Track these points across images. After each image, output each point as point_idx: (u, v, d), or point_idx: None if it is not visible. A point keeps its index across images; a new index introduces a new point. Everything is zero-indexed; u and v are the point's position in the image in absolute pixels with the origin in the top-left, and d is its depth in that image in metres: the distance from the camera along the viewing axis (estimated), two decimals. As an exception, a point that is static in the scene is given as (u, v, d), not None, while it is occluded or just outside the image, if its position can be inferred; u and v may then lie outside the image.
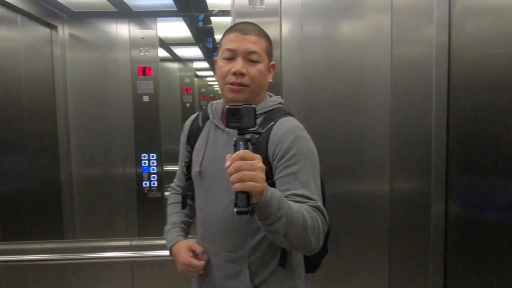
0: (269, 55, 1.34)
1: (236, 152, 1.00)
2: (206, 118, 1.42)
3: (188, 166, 1.43)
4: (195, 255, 1.34)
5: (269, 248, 1.27)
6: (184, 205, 1.47)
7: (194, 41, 4.70)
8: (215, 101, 1.43)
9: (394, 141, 2.02)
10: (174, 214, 1.50)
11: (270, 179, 1.20)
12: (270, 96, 1.42)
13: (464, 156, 1.81)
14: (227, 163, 1.00)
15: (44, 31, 3.11)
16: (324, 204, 1.27)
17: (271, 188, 1.06)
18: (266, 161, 1.21)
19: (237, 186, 0.98)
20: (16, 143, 2.74)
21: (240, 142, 1.03)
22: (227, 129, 1.30)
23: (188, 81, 6.29)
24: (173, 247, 1.38)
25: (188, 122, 1.49)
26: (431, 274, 1.94)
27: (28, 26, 2.90)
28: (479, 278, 1.73)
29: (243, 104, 1.05)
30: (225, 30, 1.34)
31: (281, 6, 1.95)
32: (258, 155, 1.02)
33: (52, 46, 3.18)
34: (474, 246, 1.75)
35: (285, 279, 1.31)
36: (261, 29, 1.34)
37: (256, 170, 0.99)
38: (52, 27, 3.16)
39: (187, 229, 1.48)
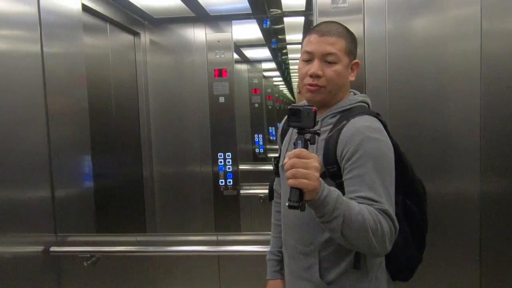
0: (350, 54, 1.34)
1: (293, 150, 1.06)
2: None
3: (277, 162, 1.50)
4: None
5: (342, 246, 1.24)
6: (271, 197, 1.63)
7: (264, 42, 4.76)
8: (302, 102, 1.46)
9: (484, 141, 1.92)
10: (273, 237, 1.62)
11: (338, 179, 1.24)
12: (355, 94, 1.41)
13: None
14: (285, 160, 1.07)
15: (128, 38, 3.32)
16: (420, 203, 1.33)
17: (331, 188, 1.09)
18: (335, 161, 1.25)
19: (291, 182, 1.04)
20: (105, 143, 2.94)
21: (299, 141, 1.09)
22: None
23: (256, 81, 6.40)
24: (268, 282, 1.59)
25: (283, 121, 1.56)
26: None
27: (115, 34, 3.12)
28: None
29: (304, 106, 1.11)
30: (307, 30, 1.39)
31: (364, 3, 1.92)
32: (314, 155, 1.07)
33: (135, 51, 3.39)
34: None
35: (357, 281, 1.30)
36: (343, 27, 1.34)
37: (310, 168, 1.04)
38: (135, 34, 3.37)
39: (282, 256, 1.56)
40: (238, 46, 5.03)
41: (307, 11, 3.25)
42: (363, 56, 1.92)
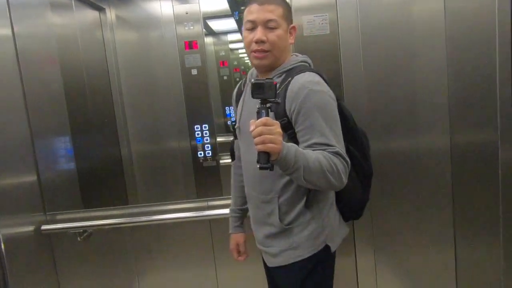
0: (287, 19, 1.50)
1: (259, 119, 1.23)
2: (246, 82, 1.67)
3: (234, 125, 1.69)
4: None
5: (296, 191, 1.50)
6: (232, 158, 1.83)
7: (229, 13, 4.71)
8: (253, 68, 1.64)
9: (453, 95, 2.04)
10: (234, 197, 1.84)
11: (289, 130, 1.44)
12: (296, 56, 1.58)
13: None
14: (251, 127, 1.24)
15: (94, 14, 3.23)
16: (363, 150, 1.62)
17: (288, 145, 1.28)
18: (285, 114, 1.44)
19: (260, 147, 1.22)
20: (82, 124, 2.91)
21: (263, 110, 1.26)
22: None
23: (223, 54, 6.34)
24: (230, 235, 1.84)
25: (235, 89, 1.76)
26: (501, 224, 1.98)
27: (81, 11, 3.03)
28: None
29: (266, 79, 1.27)
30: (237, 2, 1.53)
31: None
32: (277, 122, 1.26)
33: (102, 28, 3.30)
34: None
35: (312, 219, 1.53)
36: None
37: (275, 134, 1.22)
38: (101, 9, 3.27)
39: (242, 213, 1.84)
40: (204, 18, 4.96)
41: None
42: (336, 20, 1.99)
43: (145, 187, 3.55)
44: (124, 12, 3.38)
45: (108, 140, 3.34)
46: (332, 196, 1.60)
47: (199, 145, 3.47)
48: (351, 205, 1.68)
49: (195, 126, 3.46)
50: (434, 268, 2.21)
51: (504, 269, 2.02)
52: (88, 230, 2.03)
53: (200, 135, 3.46)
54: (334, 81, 1.76)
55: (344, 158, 1.38)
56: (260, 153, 1.23)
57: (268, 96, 1.26)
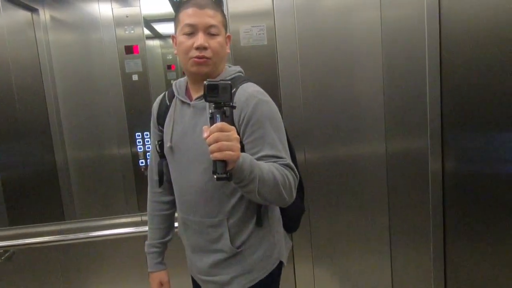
0: (225, 27, 1.43)
1: (215, 124, 1.11)
2: (172, 96, 1.50)
3: (161, 145, 1.52)
4: None
5: (246, 210, 1.40)
6: (161, 182, 1.58)
7: (175, 16, 4.62)
8: (178, 79, 1.52)
9: (388, 102, 2.09)
10: (153, 229, 1.64)
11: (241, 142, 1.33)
12: (230, 67, 1.51)
13: (458, 112, 1.88)
14: (205, 134, 1.11)
15: (25, 14, 3.05)
16: (294, 161, 1.42)
17: (243, 154, 1.17)
18: (232, 125, 1.30)
19: (217, 155, 1.08)
20: (9, 130, 2.72)
21: (217, 115, 1.13)
22: (192, 102, 1.41)
23: (170, 57, 6.21)
24: (150, 274, 1.63)
25: (155, 104, 1.58)
26: (432, 229, 2.05)
27: (9, 11, 2.84)
28: (478, 231, 1.84)
29: (221, 81, 1.14)
30: (181, 5, 1.41)
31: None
32: (233, 127, 1.13)
33: (34, 29, 3.12)
34: (470, 198, 1.85)
35: (264, 238, 1.44)
36: (214, 2, 1.41)
37: (232, 140, 1.10)
38: (33, 10, 3.09)
39: (163, 247, 1.66)
40: (149, 21, 4.84)
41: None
42: (273, 26, 1.98)
43: (82, 197, 3.38)
44: (59, 13, 3.21)
45: (41, 147, 3.14)
46: (278, 210, 1.53)
47: (140, 152, 3.35)
48: (293, 216, 1.59)
49: (136, 134, 3.33)
50: (370, 273, 2.26)
51: (434, 273, 2.09)
52: (10, 250, 1.87)
53: (141, 143, 3.34)
54: (271, 92, 1.74)
55: (294, 171, 1.32)
56: (216, 162, 1.09)
57: (224, 98, 1.13)
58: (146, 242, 1.63)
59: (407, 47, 1.99)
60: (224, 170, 1.09)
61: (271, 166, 1.25)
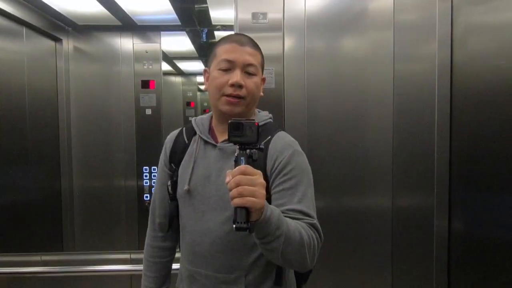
0: (263, 68, 1.33)
1: (237, 167, 0.98)
2: (191, 133, 1.36)
3: (173, 186, 1.33)
4: None
5: (267, 266, 1.24)
6: (170, 227, 1.40)
7: (197, 55, 4.74)
8: (200, 116, 1.39)
9: (396, 158, 2.02)
10: (148, 277, 1.45)
11: (267, 193, 1.14)
12: (260, 112, 1.40)
13: (466, 172, 1.80)
14: (227, 178, 0.98)
15: (49, 43, 3.15)
16: None
17: (271, 206, 1.04)
18: (264, 175, 1.14)
19: (237, 201, 0.95)
20: (19, 155, 2.74)
21: (242, 158, 1.01)
22: (219, 144, 1.28)
23: (190, 95, 6.32)
24: None
25: (169, 140, 1.41)
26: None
27: (33, 39, 2.94)
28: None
29: (246, 120, 1.03)
30: (219, 40, 1.32)
31: (284, 21, 1.97)
32: (259, 171, 1.00)
33: (56, 58, 3.22)
34: (477, 261, 1.74)
35: None
36: (255, 41, 1.32)
37: (256, 185, 0.97)
38: (57, 40, 3.20)
39: None
40: (171, 58, 4.97)
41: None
42: (282, 73, 1.96)
43: (84, 227, 3.34)
44: (82, 44, 3.32)
45: (48, 174, 3.14)
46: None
47: (146, 187, 3.32)
48: (304, 276, 1.41)
49: (144, 168, 3.32)
50: None
51: None
52: (-8, 277, 1.82)
53: (148, 177, 3.32)
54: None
55: (320, 234, 1.17)
56: (237, 209, 0.96)
57: (249, 140, 1.02)
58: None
59: (418, 102, 1.94)
60: (245, 219, 0.96)
61: (298, 225, 1.11)
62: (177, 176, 1.32)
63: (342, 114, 2.02)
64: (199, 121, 1.36)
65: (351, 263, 2.09)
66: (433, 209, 1.87)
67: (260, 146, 1.05)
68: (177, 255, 1.49)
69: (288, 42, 1.98)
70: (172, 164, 1.35)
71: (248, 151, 1.02)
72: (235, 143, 1.03)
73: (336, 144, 2.02)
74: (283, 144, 1.24)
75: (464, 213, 1.84)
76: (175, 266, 1.64)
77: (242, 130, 1.02)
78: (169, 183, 1.33)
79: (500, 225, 1.62)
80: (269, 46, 1.89)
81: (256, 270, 1.24)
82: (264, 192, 0.98)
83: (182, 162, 1.32)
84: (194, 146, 1.32)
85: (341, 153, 2.03)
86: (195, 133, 1.34)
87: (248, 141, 1.02)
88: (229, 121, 1.03)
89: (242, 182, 0.95)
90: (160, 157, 1.41)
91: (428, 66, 1.91)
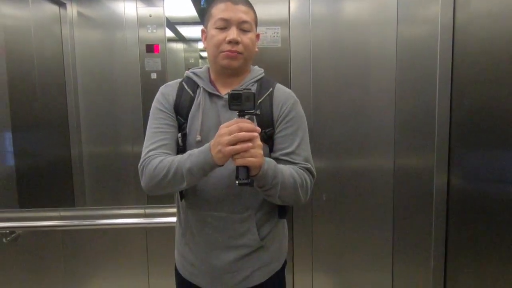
0: (256, 25, 1.43)
1: (234, 119, 1.14)
2: (194, 86, 1.41)
3: (183, 138, 1.39)
4: None
5: (271, 204, 1.41)
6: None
7: (199, 20, 4.69)
8: (194, 69, 1.45)
9: (398, 118, 2.08)
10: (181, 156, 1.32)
11: (270, 141, 1.37)
12: (254, 66, 1.51)
13: (467, 132, 1.85)
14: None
15: (53, 8, 3.14)
16: None
17: (267, 159, 1.21)
18: (271, 123, 1.37)
19: (240, 162, 1.13)
20: (29, 121, 2.80)
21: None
22: (226, 95, 1.35)
23: (192, 61, 6.29)
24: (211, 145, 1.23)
25: (170, 91, 1.43)
26: (433, 243, 2.01)
27: (37, 3, 2.94)
28: (480, 251, 1.80)
29: (244, 90, 1.17)
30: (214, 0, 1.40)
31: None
32: (258, 128, 1.16)
33: (61, 24, 3.21)
34: (474, 216, 1.82)
35: (282, 228, 1.50)
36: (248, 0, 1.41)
37: (255, 147, 1.13)
38: (61, 4, 3.18)
39: None
40: (173, 23, 4.92)
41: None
42: (288, 36, 1.99)
43: (94, 190, 3.43)
44: (86, 9, 3.31)
45: (58, 139, 3.22)
46: None
47: (153, 150, 3.39)
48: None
49: (151, 131, 3.38)
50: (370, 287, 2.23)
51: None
52: (16, 231, 1.92)
53: (155, 141, 3.38)
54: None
55: (312, 174, 1.37)
56: (239, 167, 1.14)
57: (247, 107, 1.16)
58: (187, 162, 1.26)
59: (420, 63, 1.98)
60: (246, 176, 1.13)
61: (292, 171, 1.29)
62: (185, 128, 1.39)
63: (346, 76, 2.09)
64: (199, 74, 1.43)
65: (352, 222, 2.19)
66: (433, 167, 1.94)
67: (257, 112, 1.20)
68: (174, 210, 1.58)
69: (294, 6, 2.01)
70: (179, 117, 1.40)
71: (246, 116, 1.18)
72: (235, 110, 1.18)
73: (340, 101, 2.10)
74: (286, 94, 1.41)
75: (463, 170, 1.90)
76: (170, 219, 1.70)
77: (241, 100, 1.16)
78: (179, 135, 1.39)
79: (494, 181, 1.69)
80: (275, 7, 1.92)
81: (264, 208, 1.41)
82: (261, 152, 1.16)
83: (190, 114, 1.39)
84: (200, 97, 1.39)
85: (344, 110, 2.10)
86: (197, 86, 1.42)
87: (247, 108, 1.17)
88: (229, 92, 1.17)
89: (242, 137, 1.12)
90: (157, 104, 1.42)
91: (431, 28, 1.93)
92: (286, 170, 1.28)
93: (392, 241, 2.18)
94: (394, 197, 2.14)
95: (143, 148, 1.41)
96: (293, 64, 2.00)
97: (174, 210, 1.97)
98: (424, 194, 1.99)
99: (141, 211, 1.98)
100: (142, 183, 1.37)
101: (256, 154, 1.13)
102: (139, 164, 1.38)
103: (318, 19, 2.04)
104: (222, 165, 1.22)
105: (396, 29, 2.06)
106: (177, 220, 1.53)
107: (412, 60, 2.03)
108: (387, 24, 2.06)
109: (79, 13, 3.28)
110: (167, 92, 1.43)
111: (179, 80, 1.46)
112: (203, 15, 4.37)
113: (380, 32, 2.07)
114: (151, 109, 1.43)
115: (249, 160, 1.13)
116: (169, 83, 1.48)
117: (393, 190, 2.15)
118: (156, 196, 3.38)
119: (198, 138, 1.35)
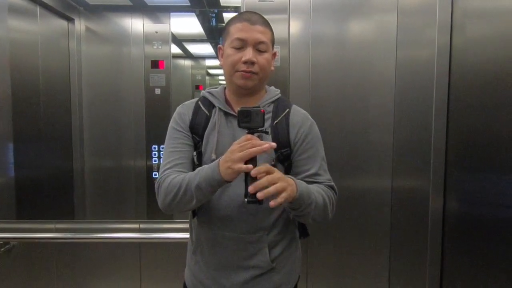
0: (273, 44, 1.43)
1: (264, 165, 1.14)
2: (210, 106, 1.43)
3: (198, 157, 1.39)
4: None
5: (285, 224, 1.41)
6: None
7: (206, 38, 4.76)
8: (210, 89, 1.46)
9: (396, 140, 2.07)
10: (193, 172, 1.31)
11: (286, 161, 1.37)
12: (270, 87, 1.50)
13: (462, 155, 1.84)
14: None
15: (61, 23, 3.21)
16: None
17: (298, 182, 1.22)
18: (288, 143, 1.37)
19: (273, 204, 1.11)
20: (32, 133, 2.83)
21: None
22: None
23: (199, 78, 6.36)
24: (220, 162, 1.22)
25: (186, 110, 1.43)
26: (428, 265, 1.99)
27: (46, 18, 3.00)
28: (473, 271, 1.78)
29: (253, 108, 1.17)
30: (231, 18, 1.41)
31: (289, 3, 2.01)
32: (274, 168, 1.16)
33: (69, 38, 3.28)
34: (469, 239, 1.80)
35: (295, 249, 1.47)
36: (265, 19, 1.41)
37: (280, 180, 1.13)
38: (69, 19, 3.26)
39: None
40: (180, 40, 5.00)
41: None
42: (287, 56, 2.01)
43: (94, 204, 3.45)
44: (94, 25, 3.38)
45: (61, 152, 3.25)
46: None
47: (155, 165, 3.41)
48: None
49: (153, 146, 3.41)
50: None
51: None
52: (10, 243, 1.93)
53: (157, 156, 3.41)
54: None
55: (335, 191, 1.39)
56: (247, 185, 1.13)
57: (256, 125, 1.17)
58: (196, 178, 1.25)
59: (418, 87, 1.98)
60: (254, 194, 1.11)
61: (319, 189, 1.31)
62: (200, 147, 1.39)
63: (345, 98, 2.09)
64: (215, 94, 1.45)
65: (349, 245, 2.17)
66: (429, 190, 1.93)
67: (266, 130, 1.22)
68: (168, 225, 1.57)
69: (294, 25, 2.04)
70: (195, 135, 1.40)
71: (256, 134, 1.17)
72: (244, 128, 1.18)
73: (339, 128, 2.09)
74: (302, 116, 1.42)
75: (458, 194, 1.88)
76: (183, 235, 1.73)
77: (250, 117, 1.17)
78: (194, 153, 1.39)
79: (489, 204, 1.67)
80: (275, 26, 1.94)
81: (276, 229, 1.39)
82: (288, 180, 1.17)
83: (206, 133, 1.39)
84: (216, 117, 1.40)
85: (343, 137, 2.09)
86: (212, 106, 1.43)
87: (256, 126, 1.18)
88: (238, 109, 1.18)
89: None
90: (173, 124, 1.42)
91: (429, 52, 1.93)
92: (314, 188, 1.29)
93: (389, 264, 2.15)
94: (391, 219, 2.12)
95: (160, 167, 1.40)
96: (292, 83, 2.02)
97: (169, 225, 1.97)
98: (421, 216, 1.97)
99: (136, 225, 1.97)
100: (159, 202, 1.35)
101: (285, 186, 1.13)
102: (155, 183, 1.37)
103: (318, 39, 2.05)
104: (231, 181, 1.21)
105: (395, 51, 2.07)
106: (189, 238, 1.50)
107: (411, 83, 2.03)
108: (387, 46, 2.07)
109: (87, 28, 3.35)
110: (183, 111, 1.44)
111: (195, 99, 1.47)
112: (210, 33, 4.45)
113: (380, 54, 2.07)
114: (168, 129, 1.44)
115: (283, 197, 1.12)
116: (185, 103, 1.48)
117: (391, 212, 2.12)
118: (156, 212, 3.40)
119: (213, 156, 1.34)
